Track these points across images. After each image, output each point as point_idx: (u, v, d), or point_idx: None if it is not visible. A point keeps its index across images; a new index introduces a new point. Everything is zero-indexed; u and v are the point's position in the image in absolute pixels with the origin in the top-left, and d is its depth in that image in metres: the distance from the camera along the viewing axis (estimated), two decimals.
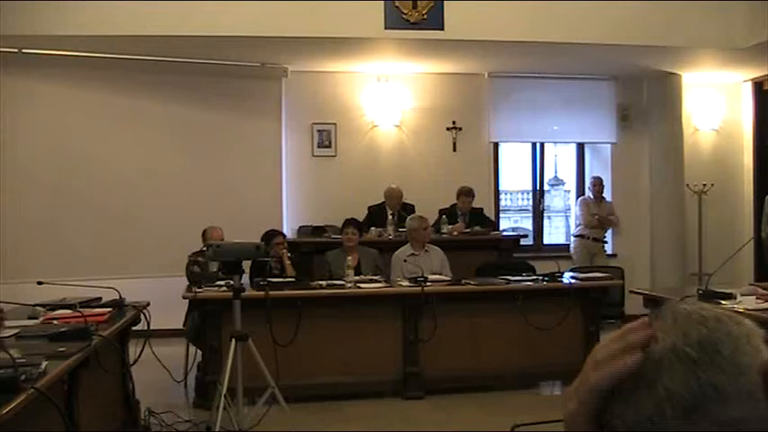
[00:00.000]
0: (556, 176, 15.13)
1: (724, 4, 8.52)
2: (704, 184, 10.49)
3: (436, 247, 7.70)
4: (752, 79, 10.69)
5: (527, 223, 11.03)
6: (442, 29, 8.11)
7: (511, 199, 15.15)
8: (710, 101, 10.74)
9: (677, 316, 0.90)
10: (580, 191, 10.79)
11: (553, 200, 15.87)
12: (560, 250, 10.13)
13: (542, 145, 10.79)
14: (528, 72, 10.14)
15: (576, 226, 10.18)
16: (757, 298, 5.58)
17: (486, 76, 10.13)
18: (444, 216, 8.96)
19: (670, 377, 0.86)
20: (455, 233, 8.81)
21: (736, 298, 5.57)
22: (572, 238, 10.16)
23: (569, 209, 10.44)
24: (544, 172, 10.97)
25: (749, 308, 5.22)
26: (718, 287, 5.94)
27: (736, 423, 0.84)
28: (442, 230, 8.78)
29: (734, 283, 6.95)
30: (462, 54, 8.96)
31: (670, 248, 10.10)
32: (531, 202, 11.30)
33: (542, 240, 10.86)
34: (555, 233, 12.47)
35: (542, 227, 10.99)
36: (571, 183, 11.56)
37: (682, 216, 10.26)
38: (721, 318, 0.89)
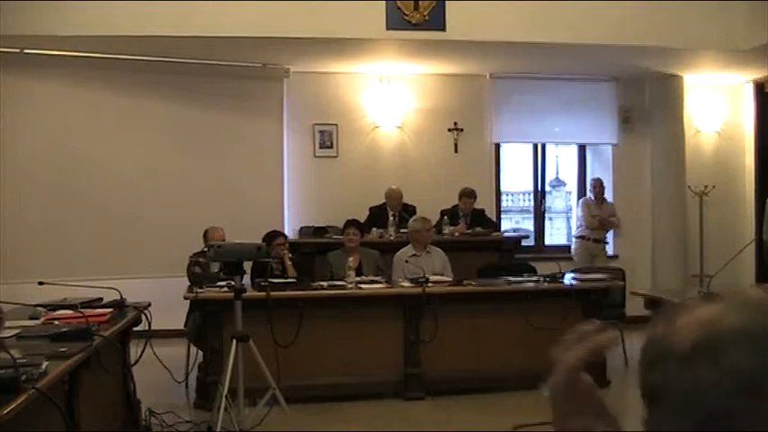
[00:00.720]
0: (557, 178, 15.14)
1: (725, 6, 8.53)
2: (705, 186, 10.47)
3: (438, 249, 7.71)
4: (753, 80, 10.69)
5: (528, 224, 11.03)
6: (444, 30, 8.12)
7: (512, 200, 15.16)
8: (712, 102, 10.74)
9: (747, 300, 0.98)
10: (581, 192, 10.78)
11: (554, 201, 15.89)
12: (561, 251, 10.17)
13: (543, 146, 10.80)
14: (529, 73, 10.13)
15: (578, 227, 10.19)
16: None
17: (487, 77, 10.13)
18: (446, 217, 8.96)
19: (737, 354, 0.90)
20: (456, 234, 8.83)
21: None
22: (573, 240, 10.17)
23: (570, 210, 10.46)
24: (545, 173, 10.99)
25: None
26: (720, 289, 5.91)
27: None
28: (444, 231, 8.78)
29: (735, 285, 6.96)
30: (463, 55, 8.96)
31: (671, 250, 10.10)
32: (532, 204, 11.30)
33: (543, 241, 10.86)
34: (556, 234, 12.46)
35: (543, 228, 11.00)
36: (572, 184, 11.57)
37: (683, 217, 10.26)
38: None
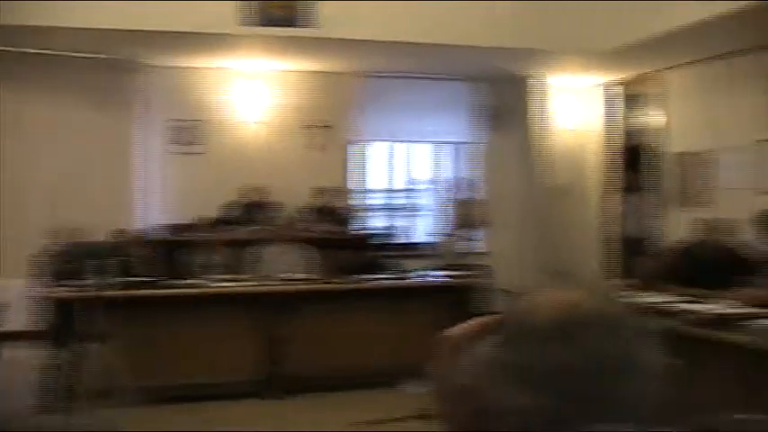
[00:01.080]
0: (424, 176, 15.29)
1: (585, 11, 8.76)
2: (565, 183, 10.78)
3: (301, 245, 7.69)
4: (608, 82, 11.05)
5: (396, 222, 11.08)
6: (311, 27, 8.08)
7: (385, 197, 15.18)
8: (573, 102, 11.08)
9: (601, 289, 1.05)
10: (444, 190, 10.88)
11: (421, 199, 16.02)
12: (425, 249, 10.18)
13: (407, 144, 10.90)
14: (397, 72, 10.18)
15: (446, 225, 10.29)
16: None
17: (354, 74, 10.10)
18: (311, 215, 8.95)
19: (595, 338, 0.97)
20: (321, 232, 8.81)
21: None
22: (441, 237, 10.26)
23: (440, 208, 10.53)
24: (409, 171, 11.08)
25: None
26: (574, 279, 6.09)
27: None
28: (306, 228, 8.76)
29: (595, 279, 7.22)
30: (330, 52, 8.95)
31: (536, 245, 10.34)
32: (400, 201, 11.33)
33: (411, 239, 10.99)
34: (424, 232, 12.46)
35: (411, 225, 11.11)
36: (442, 182, 11.63)
37: (546, 214, 10.52)
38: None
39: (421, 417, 2.48)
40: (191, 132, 9.66)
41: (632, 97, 11.11)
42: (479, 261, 9.67)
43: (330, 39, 8.22)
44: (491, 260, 9.86)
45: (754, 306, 4.75)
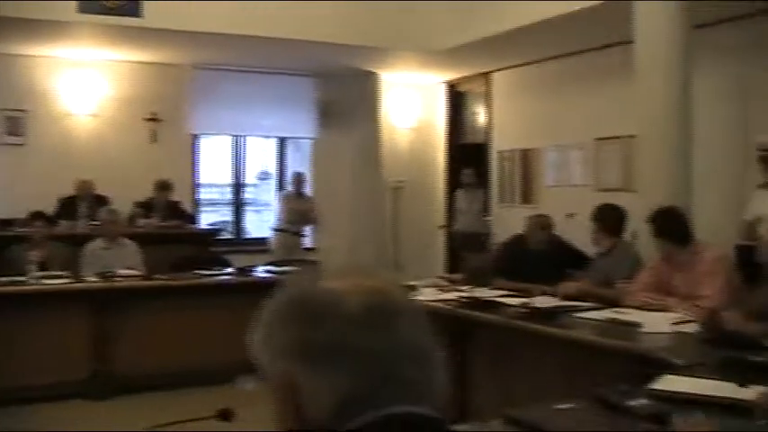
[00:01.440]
0: (265, 170, 15.18)
1: (421, 9, 8.92)
2: (400, 180, 10.95)
3: (129, 241, 7.46)
4: (446, 81, 11.32)
5: (235, 217, 10.97)
6: (140, 16, 7.87)
7: (220, 192, 14.99)
8: (408, 100, 11.25)
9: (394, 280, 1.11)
10: (282, 185, 10.90)
11: (262, 194, 15.91)
12: (262, 244, 10.18)
13: (244, 138, 10.79)
14: (231, 65, 10.06)
15: (277, 220, 10.24)
16: (437, 288, 5.91)
17: (187, 66, 9.93)
18: (140, 209, 8.74)
19: (407, 325, 1.03)
20: (151, 226, 8.60)
21: (418, 289, 5.85)
22: (272, 232, 10.23)
23: (276, 203, 10.52)
24: (247, 165, 10.99)
25: (428, 299, 5.50)
26: (412, 279, 6.21)
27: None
28: (138, 223, 8.55)
29: (429, 275, 7.36)
30: (161, 43, 8.76)
31: (368, 242, 10.40)
32: (238, 196, 11.20)
33: (243, 234, 10.90)
34: (264, 227, 12.42)
35: (242, 220, 11.03)
36: (279, 177, 11.58)
37: (380, 210, 10.64)
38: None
39: (222, 415, 2.43)
40: (17, 123, 9.22)
41: (468, 96, 11.44)
42: (310, 256, 9.73)
43: (167, 30, 8.05)
44: (322, 256, 9.89)
45: (570, 299, 4.95)
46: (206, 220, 10.48)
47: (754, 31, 7.23)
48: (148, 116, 9.78)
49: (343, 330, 1.02)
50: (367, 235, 10.45)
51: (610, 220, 5.59)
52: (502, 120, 10.49)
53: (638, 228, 6.73)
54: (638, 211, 5.80)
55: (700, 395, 2.67)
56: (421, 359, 1.02)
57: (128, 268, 6.99)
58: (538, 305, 4.62)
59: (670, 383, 2.83)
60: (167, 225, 8.74)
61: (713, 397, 2.64)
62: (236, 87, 10.19)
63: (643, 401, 2.52)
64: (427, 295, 5.61)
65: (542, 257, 5.73)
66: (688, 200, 6.13)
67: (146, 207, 8.83)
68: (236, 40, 8.47)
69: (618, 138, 8.60)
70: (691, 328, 4.06)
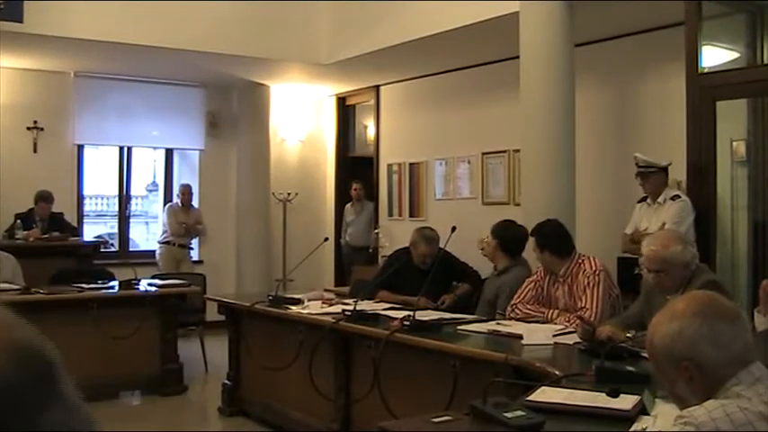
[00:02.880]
0: (154, 182, 14.89)
1: (309, 21, 8.92)
2: (289, 193, 10.89)
3: (7, 254, 7.15)
4: (336, 94, 11.32)
5: (119, 229, 10.69)
6: (21, 21, 7.53)
7: (107, 203, 14.63)
8: (298, 113, 11.18)
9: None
10: (168, 197, 10.70)
11: (150, 205, 15.59)
12: (149, 257, 9.97)
13: (131, 149, 10.52)
14: (118, 74, 9.80)
15: (163, 233, 10.06)
16: (323, 302, 5.87)
17: (71, 75, 9.66)
18: (20, 221, 8.43)
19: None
20: (31, 239, 8.31)
21: (303, 302, 5.81)
22: (158, 245, 10.03)
23: (162, 214, 10.33)
24: (134, 177, 10.75)
25: (313, 312, 5.47)
26: (300, 292, 6.17)
27: None
28: (17, 236, 8.26)
29: (316, 288, 7.33)
30: (43, 50, 8.44)
31: (256, 255, 10.34)
32: (123, 207, 10.90)
33: (129, 246, 10.65)
34: (152, 239, 12.26)
35: (129, 232, 10.80)
36: (165, 189, 11.37)
37: (267, 223, 10.56)
38: None
39: None
40: None
41: (358, 109, 11.49)
42: (197, 269, 9.58)
43: (48, 36, 7.78)
44: (208, 269, 9.77)
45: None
46: (92, 232, 10.23)
47: (633, 49, 7.47)
48: (30, 125, 9.44)
49: None
50: (255, 247, 10.37)
51: (509, 239, 5.64)
52: (390, 133, 10.54)
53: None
54: (521, 222, 5.89)
55: (573, 405, 2.70)
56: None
57: (5, 282, 6.70)
58: (420, 318, 4.62)
59: (546, 395, 2.85)
60: (48, 237, 8.44)
61: (587, 407, 2.67)
62: (122, 97, 9.93)
63: (518, 413, 2.53)
64: (312, 308, 5.59)
65: (427, 271, 5.73)
66: (570, 213, 6.26)
67: (25, 219, 8.50)
68: (122, 48, 8.25)
69: (503, 152, 8.75)
70: (571, 339, 4.12)
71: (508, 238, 5.62)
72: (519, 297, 5.07)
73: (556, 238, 5.00)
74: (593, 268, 4.81)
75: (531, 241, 5.27)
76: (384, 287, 6.08)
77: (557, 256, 4.92)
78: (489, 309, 5.43)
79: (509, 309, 5.05)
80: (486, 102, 9.05)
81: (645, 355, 3.20)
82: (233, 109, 10.65)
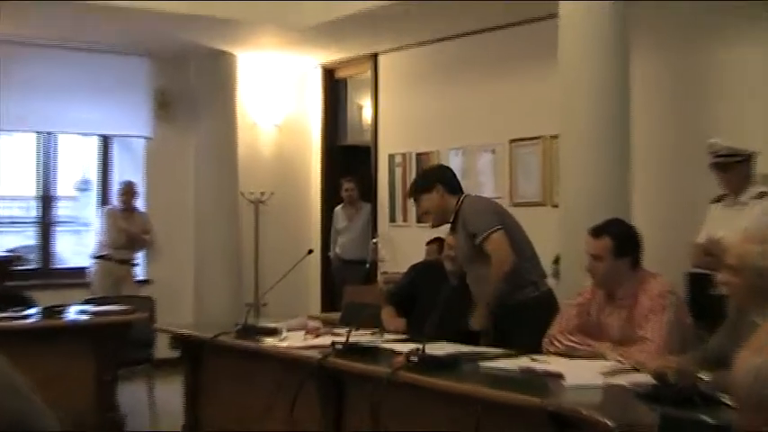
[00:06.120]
0: (86, 179, 14.67)
1: None
2: (263, 193, 10.90)
3: None
4: (322, 65, 11.32)
5: (39, 240, 10.61)
6: None
7: (24, 208, 14.47)
8: (273, 89, 11.20)
9: None
10: (105, 199, 10.71)
11: (83, 210, 15.44)
12: (78, 276, 9.97)
13: (56, 137, 10.51)
14: (36, 39, 9.74)
15: (99, 244, 9.99)
16: (307, 332, 5.83)
17: None
18: None
19: None
20: None
21: (282, 333, 5.77)
22: (92, 261, 9.99)
23: (96, 222, 10.26)
24: (60, 173, 10.73)
25: (294, 345, 5.44)
26: (278, 320, 6.13)
27: None
28: None
29: (298, 314, 7.31)
30: None
31: (220, 272, 10.34)
32: (44, 213, 10.79)
33: (53, 263, 10.65)
34: (83, 253, 12.16)
35: (53, 245, 10.75)
36: (100, 188, 11.27)
37: (235, 232, 10.57)
38: None
39: None
40: None
41: (351, 85, 11.50)
42: (142, 291, 9.58)
43: None
44: (158, 290, 9.77)
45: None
46: (4, 244, 10.18)
47: (706, 6, 7.35)
48: None
49: None
50: (219, 263, 10.36)
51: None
52: (392, 115, 10.54)
53: (562, 251, 6.88)
54: (559, 228, 5.88)
55: None
56: None
57: None
58: (432, 351, 4.59)
59: None
60: None
61: None
62: (43, 69, 9.88)
63: None
64: (294, 341, 5.55)
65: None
66: (623, 216, 6.20)
67: None
68: (41, 5, 8.20)
69: (537, 138, 8.74)
70: (626, 379, 4.08)
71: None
72: (559, 325, 5.03)
73: (635, 243, 4.95)
74: (661, 289, 4.77)
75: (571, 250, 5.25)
76: (394, 300, 6.30)
77: (632, 268, 4.88)
78: None
79: (545, 340, 5.02)
80: (516, 74, 9.03)
81: (726, 400, 3.19)
82: (189, 85, 10.63)
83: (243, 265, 10.64)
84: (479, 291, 5.74)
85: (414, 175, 9.90)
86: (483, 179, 9.39)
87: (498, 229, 5.54)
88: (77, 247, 11.18)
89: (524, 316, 5.56)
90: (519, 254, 5.62)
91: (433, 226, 6.11)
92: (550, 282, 6.14)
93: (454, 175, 6.02)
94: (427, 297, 6.01)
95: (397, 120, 10.48)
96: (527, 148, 8.95)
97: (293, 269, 6.69)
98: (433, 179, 5.90)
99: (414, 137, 10.20)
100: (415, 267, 6.71)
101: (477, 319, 5.68)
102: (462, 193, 5.86)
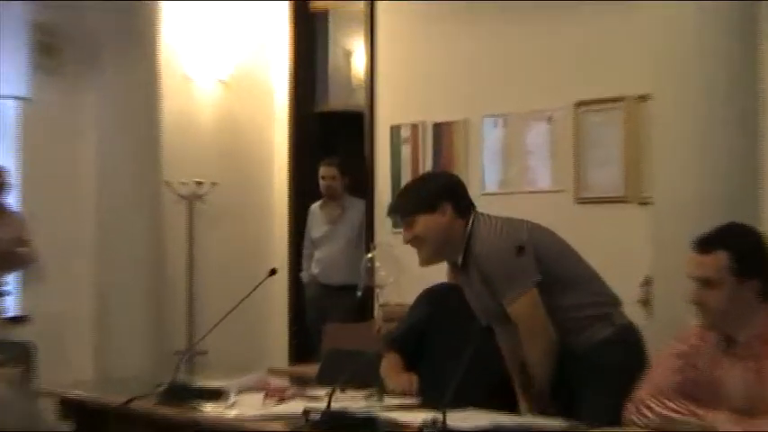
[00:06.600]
0: None
1: None
2: (199, 182, 10.92)
3: None
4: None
5: None
6: None
7: None
8: (218, 31, 11.26)
9: None
10: None
11: None
12: None
13: None
14: None
15: None
16: (267, 395, 5.81)
17: None
18: None
19: None
20: None
21: (230, 397, 5.75)
22: None
23: None
24: None
25: (249, 415, 5.41)
26: (224, 376, 6.14)
27: None
28: None
29: (255, 366, 7.32)
30: None
31: (137, 303, 10.28)
32: None
33: None
34: None
35: None
36: None
37: (159, 242, 10.59)
38: None
39: None
40: None
41: (333, 23, 11.59)
42: (11, 335, 9.66)
43: None
44: (38, 328, 9.88)
45: None
46: None
47: None
48: None
49: None
50: (132, 290, 10.31)
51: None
52: (398, 66, 10.55)
53: (655, 270, 6.87)
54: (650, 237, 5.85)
55: None
56: None
57: None
58: (457, 425, 4.58)
59: None
60: None
61: None
62: None
63: None
64: (248, 408, 5.54)
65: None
66: (752, 218, 6.16)
67: None
68: None
69: (617, 101, 8.73)
70: None
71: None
72: (651, 383, 5.01)
73: (766, 261, 4.91)
74: None
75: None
76: (398, 346, 6.30)
77: (761, 298, 4.84)
78: None
79: (630, 406, 5.00)
80: (585, 6, 9.01)
81: None
82: (86, 24, 10.63)
83: (169, 293, 10.68)
84: (512, 355, 5.78)
85: (429, 158, 10.06)
86: (534, 162, 9.42)
87: (529, 288, 5.47)
88: None
89: (594, 367, 5.51)
90: (570, 287, 5.64)
91: (426, 263, 5.85)
92: (637, 315, 6.17)
93: (466, 190, 5.90)
94: (447, 340, 6.07)
95: (403, 74, 10.47)
96: (601, 116, 8.96)
97: (247, 299, 6.68)
98: (441, 194, 5.71)
99: (429, 99, 10.21)
100: (429, 295, 6.66)
101: (522, 403, 5.76)
102: (472, 213, 5.74)
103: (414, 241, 5.70)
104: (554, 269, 5.58)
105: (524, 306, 5.42)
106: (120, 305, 10.29)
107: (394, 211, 6.18)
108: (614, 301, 5.80)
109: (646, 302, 7.02)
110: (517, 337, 5.60)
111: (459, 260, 5.64)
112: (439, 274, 6.25)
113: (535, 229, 5.79)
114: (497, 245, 5.57)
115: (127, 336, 10.17)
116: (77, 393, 6.53)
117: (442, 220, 5.58)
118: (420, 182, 6.51)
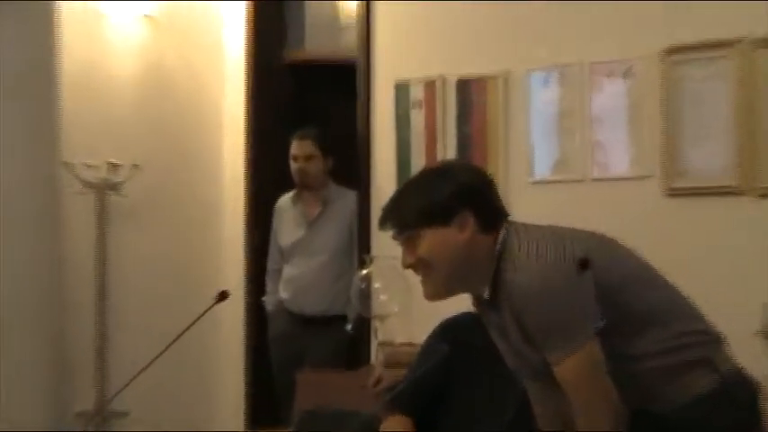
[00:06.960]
0: None
1: None
2: (114, 164, 10.81)
3: None
4: None
5: None
6: None
7: None
8: None
9: None
10: None
11: None
12: None
13: None
14: None
15: None
16: None
17: None
18: None
19: None
20: None
21: None
22: None
23: None
24: None
25: None
26: None
27: None
28: None
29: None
30: None
31: (23, 339, 10.32)
32: None
33: None
34: None
35: None
36: None
37: (54, 246, 10.71)
38: None
39: None
40: None
41: None
42: None
43: None
44: None
45: None
46: None
47: None
48: None
49: None
50: (19, 317, 10.34)
51: None
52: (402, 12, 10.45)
53: None
54: None
55: None
56: None
57: None
58: None
59: None
60: None
61: None
62: None
63: None
64: None
65: None
66: None
67: None
68: None
69: (725, 46, 8.52)
70: None
71: None
72: None
73: None
74: None
75: None
76: (405, 405, 6.39)
77: None
78: None
79: None
80: None
81: None
82: None
83: (71, 326, 10.61)
84: (552, 421, 5.63)
85: (451, 130, 10.02)
86: (604, 136, 9.24)
87: (585, 343, 5.17)
88: None
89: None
90: (651, 324, 5.38)
91: (434, 296, 5.55)
92: (755, 354, 6.30)
93: (496, 190, 5.58)
94: (473, 394, 6.33)
95: (414, 7, 10.30)
96: (702, 68, 8.71)
97: (184, 335, 6.38)
98: (460, 197, 5.39)
99: (451, 44, 10.09)
100: (447, 330, 6.81)
101: None
102: (504, 225, 5.41)
103: (417, 266, 5.42)
104: (626, 303, 5.29)
105: (578, 368, 5.15)
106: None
107: (387, 221, 5.59)
108: (716, 339, 5.55)
109: None
110: (562, 399, 5.34)
111: (487, 293, 5.33)
112: (463, 300, 6.05)
113: (601, 246, 5.46)
114: (539, 275, 5.18)
115: (14, 388, 10.12)
116: None
117: (460, 237, 5.28)
118: (428, 178, 5.82)
